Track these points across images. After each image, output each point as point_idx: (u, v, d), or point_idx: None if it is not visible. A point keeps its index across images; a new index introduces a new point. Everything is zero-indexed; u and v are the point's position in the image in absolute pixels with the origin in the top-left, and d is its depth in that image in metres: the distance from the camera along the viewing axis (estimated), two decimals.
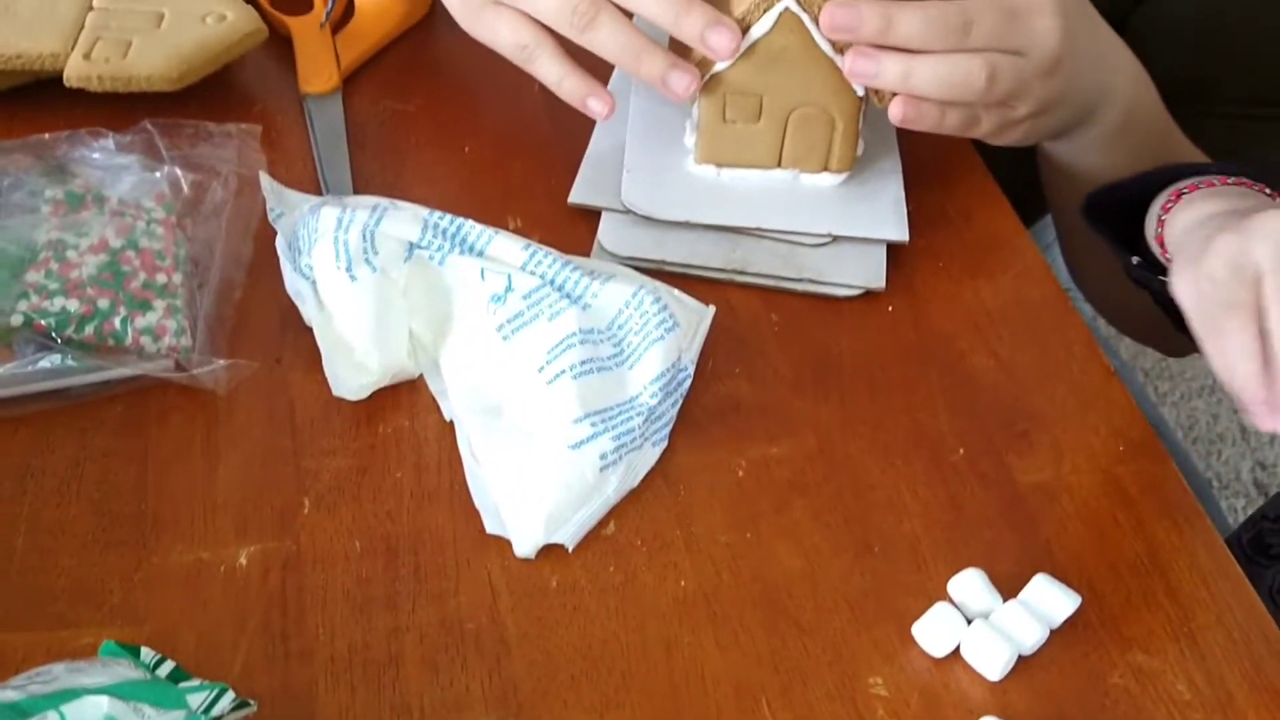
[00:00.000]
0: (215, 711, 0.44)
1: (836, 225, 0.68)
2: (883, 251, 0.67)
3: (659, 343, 0.58)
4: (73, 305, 0.57)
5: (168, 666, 0.48)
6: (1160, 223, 0.59)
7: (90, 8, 0.73)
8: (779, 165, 0.69)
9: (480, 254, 0.60)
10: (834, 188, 0.69)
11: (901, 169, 0.71)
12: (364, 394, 0.58)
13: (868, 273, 0.66)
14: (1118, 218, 0.63)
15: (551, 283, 0.59)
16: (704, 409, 0.60)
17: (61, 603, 0.52)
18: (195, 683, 0.45)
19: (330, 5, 0.77)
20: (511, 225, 0.68)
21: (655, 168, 0.70)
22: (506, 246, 0.60)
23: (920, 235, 0.68)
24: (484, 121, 0.74)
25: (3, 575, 0.52)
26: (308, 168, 0.70)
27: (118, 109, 0.70)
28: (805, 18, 0.62)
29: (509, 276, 0.59)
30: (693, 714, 0.50)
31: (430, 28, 0.80)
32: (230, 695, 0.44)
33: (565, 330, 0.57)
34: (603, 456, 0.55)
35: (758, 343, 0.63)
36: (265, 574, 0.53)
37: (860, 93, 0.65)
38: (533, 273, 0.59)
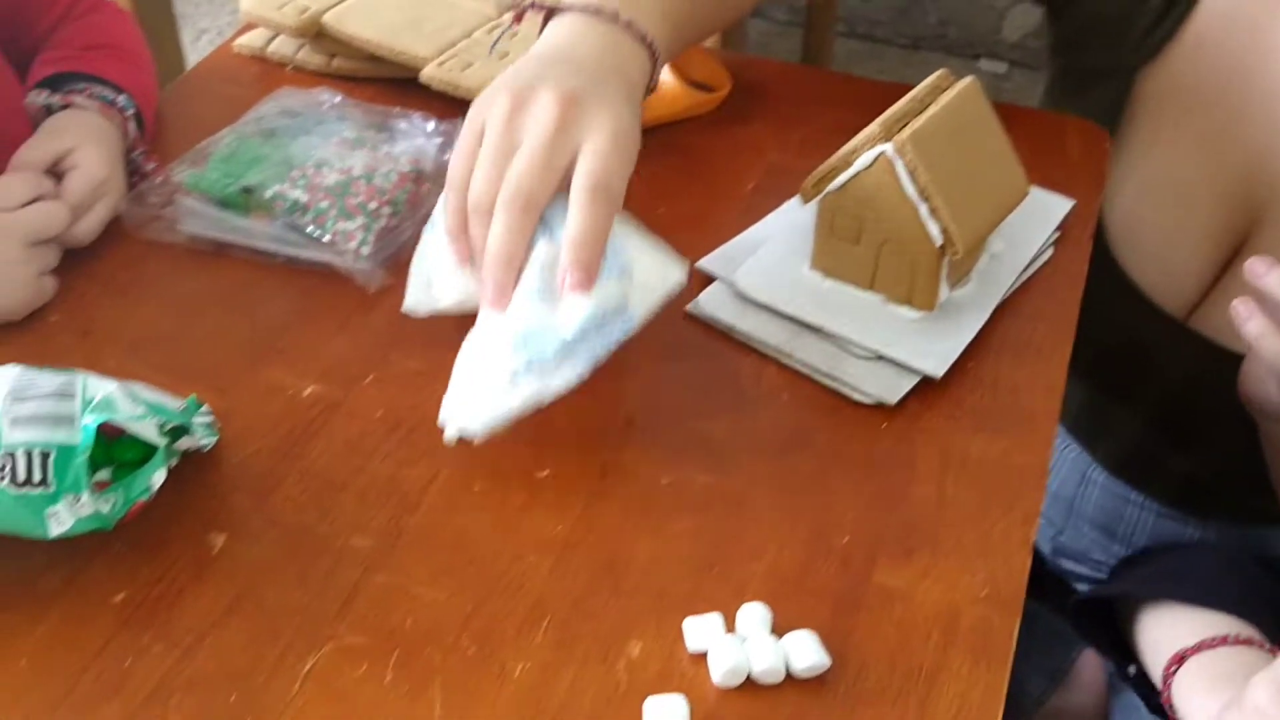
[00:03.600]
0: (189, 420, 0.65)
1: (884, 345, 0.78)
2: (914, 380, 0.76)
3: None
4: (304, 198, 0.82)
5: (208, 418, 0.70)
6: (1166, 684, 0.65)
7: (468, 36, 0.99)
8: (871, 288, 0.80)
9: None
10: (912, 321, 0.79)
11: (982, 323, 0.79)
12: (423, 315, 0.76)
13: (886, 387, 0.76)
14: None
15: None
16: (672, 441, 0.73)
17: (191, 375, 0.76)
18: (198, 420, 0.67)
19: None
20: None
21: (780, 262, 0.83)
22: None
23: (958, 383, 0.76)
24: (691, 197, 0.92)
25: (168, 346, 0.77)
26: None
27: (451, 105, 0.95)
28: (899, 164, 0.74)
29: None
30: (498, 604, 0.64)
31: (699, 122, 0.99)
32: (201, 421, 0.66)
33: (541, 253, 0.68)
34: (515, 374, 0.67)
35: (756, 407, 0.75)
36: (312, 406, 0.74)
37: (939, 242, 0.75)
38: None
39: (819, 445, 0.73)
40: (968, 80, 0.79)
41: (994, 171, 0.78)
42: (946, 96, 0.78)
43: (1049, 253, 0.86)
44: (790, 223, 0.87)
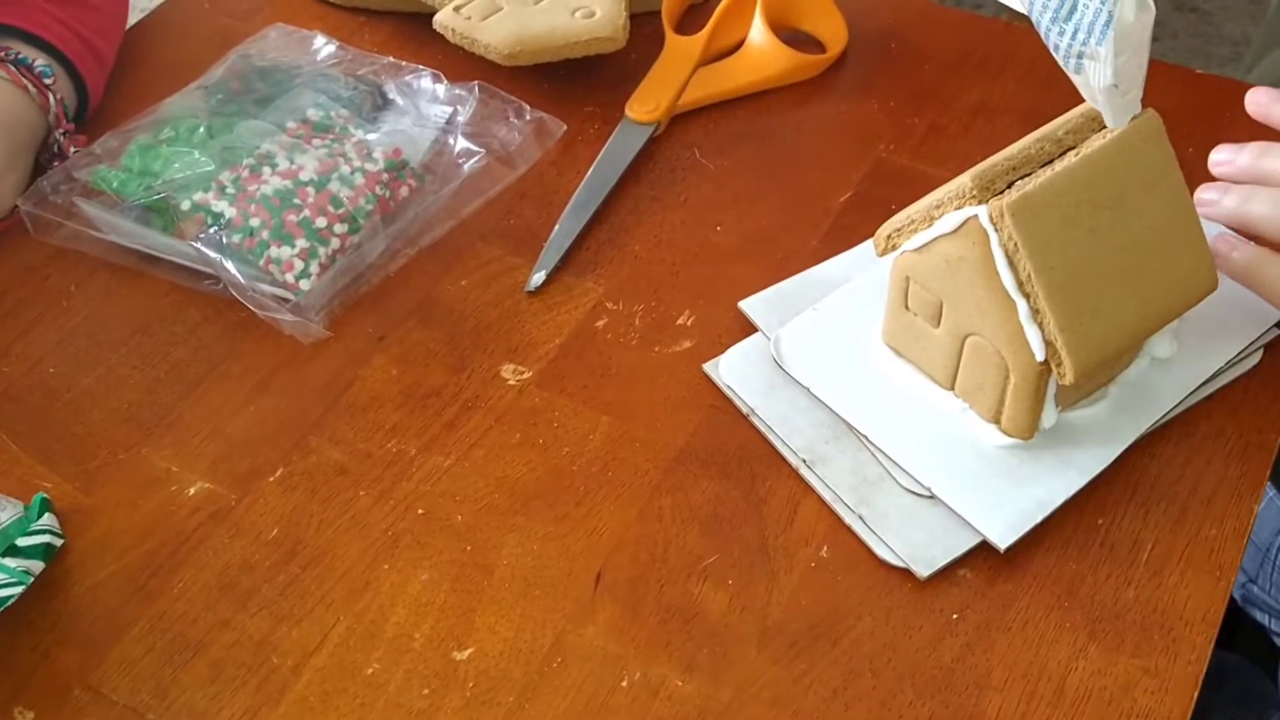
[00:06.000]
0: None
1: (943, 484, 0.55)
2: (969, 543, 0.54)
3: None
4: (230, 213, 0.63)
5: (43, 537, 0.54)
6: None
7: None
8: (952, 389, 0.57)
9: None
10: (998, 448, 0.56)
11: (1102, 468, 0.55)
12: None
13: (922, 547, 0.53)
14: None
15: None
16: (651, 611, 0.53)
17: (59, 452, 0.59)
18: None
19: None
20: (683, 318, 0.63)
21: (845, 323, 0.60)
22: None
23: (1077, 551, 0.53)
24: (762, 210, 0.68)
25: (43, 403, 0.61)
26: (575, 179, 0.70)
27: (468, 65, 0.74)
28: (994, 238, 0.50)
29: None
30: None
31: (797, 94, 0.74)
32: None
33: None
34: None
35: (778, 562, 0.54)
36: (192, 514, 0.56)
37: (1040, 357, 0.51)
38: None
39: (855, 639, 0.52)
40: (1146, 114, 0.52)
41: (1160, 256, 0.52)
42: (1099, 139, 0.52)
43: (1254, 359, 0.59)
44: (879, 265, 0.63)
